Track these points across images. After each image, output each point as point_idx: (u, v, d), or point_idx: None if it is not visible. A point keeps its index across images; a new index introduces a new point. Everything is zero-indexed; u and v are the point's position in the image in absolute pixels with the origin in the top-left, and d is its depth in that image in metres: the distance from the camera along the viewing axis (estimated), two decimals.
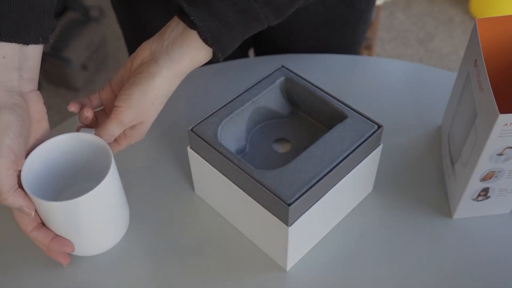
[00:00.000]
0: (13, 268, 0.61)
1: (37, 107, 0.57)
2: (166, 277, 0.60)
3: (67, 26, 1.79)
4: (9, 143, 0.52)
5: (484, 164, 0.56)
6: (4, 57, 0.53)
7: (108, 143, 0.58)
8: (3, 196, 0.52)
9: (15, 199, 0.53)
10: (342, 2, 0.81)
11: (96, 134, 0.58)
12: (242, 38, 0.59)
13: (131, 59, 0.60)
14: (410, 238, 0.63)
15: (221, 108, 0.61)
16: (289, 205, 0.52)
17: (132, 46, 0.94)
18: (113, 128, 0.57)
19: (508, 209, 0.64)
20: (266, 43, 0.91)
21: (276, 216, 0.54)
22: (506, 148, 0.54)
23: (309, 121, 0.66)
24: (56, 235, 0.58)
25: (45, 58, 1.74)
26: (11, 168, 0.52)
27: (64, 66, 1.74)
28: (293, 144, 0.63)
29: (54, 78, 1.81)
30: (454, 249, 0.62)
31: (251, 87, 0.64)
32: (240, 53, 0.94)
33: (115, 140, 0.62)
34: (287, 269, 0.60)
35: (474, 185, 0.59)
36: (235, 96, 0.62)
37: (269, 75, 0.65)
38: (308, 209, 0.55)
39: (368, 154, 0.60)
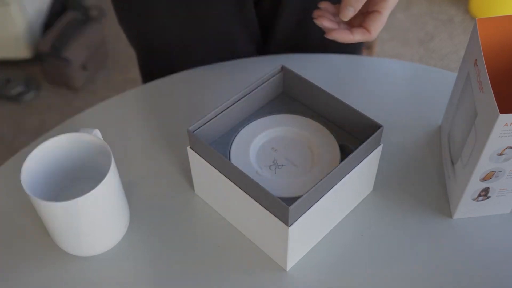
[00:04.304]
0: (13, 268, 0.61)
1: None
2: (166, 277, 0.60)
3: (67, 26, 1.79)
4: None
5: (484, 164, 0.56)
6: None
7: (338, 32, 0.58)
8: None
9: None
10: None
11: (341, 12, 0.57)
12: None
13: None
14: (410, 238, 0.63)
15: (221, 108, 0.61)
16: (289, 205, 0.52)
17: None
18: None
19: (508, 209, 0.64)
20: (281, 37, 0.91)
21: (276, 216, 0.54)
22: (506, 148, 0.54)
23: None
24: None
25: (45, 58, 1.75)
26: None
27: (64, 66, 1.74)
28: None
29: (54, 78, 1.81)
30: (454, 249, 0.62)
31: (251, 87, 0.64)
32: (250, 47, 0.94)
33: (350, 23, 0.60)
34: (287, 269, 0.60)
35: (474, 185, 0.59)
36: (235, 96, 0.62)
37: (269, 75, 0.65)
38: (308, 209, 0.55)
39: (368, 154, 0.60)
